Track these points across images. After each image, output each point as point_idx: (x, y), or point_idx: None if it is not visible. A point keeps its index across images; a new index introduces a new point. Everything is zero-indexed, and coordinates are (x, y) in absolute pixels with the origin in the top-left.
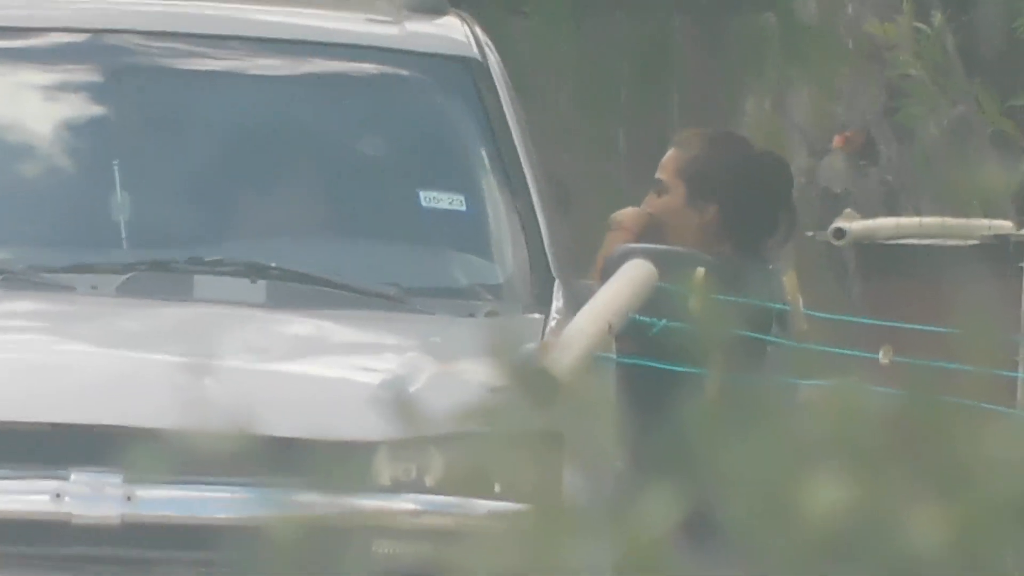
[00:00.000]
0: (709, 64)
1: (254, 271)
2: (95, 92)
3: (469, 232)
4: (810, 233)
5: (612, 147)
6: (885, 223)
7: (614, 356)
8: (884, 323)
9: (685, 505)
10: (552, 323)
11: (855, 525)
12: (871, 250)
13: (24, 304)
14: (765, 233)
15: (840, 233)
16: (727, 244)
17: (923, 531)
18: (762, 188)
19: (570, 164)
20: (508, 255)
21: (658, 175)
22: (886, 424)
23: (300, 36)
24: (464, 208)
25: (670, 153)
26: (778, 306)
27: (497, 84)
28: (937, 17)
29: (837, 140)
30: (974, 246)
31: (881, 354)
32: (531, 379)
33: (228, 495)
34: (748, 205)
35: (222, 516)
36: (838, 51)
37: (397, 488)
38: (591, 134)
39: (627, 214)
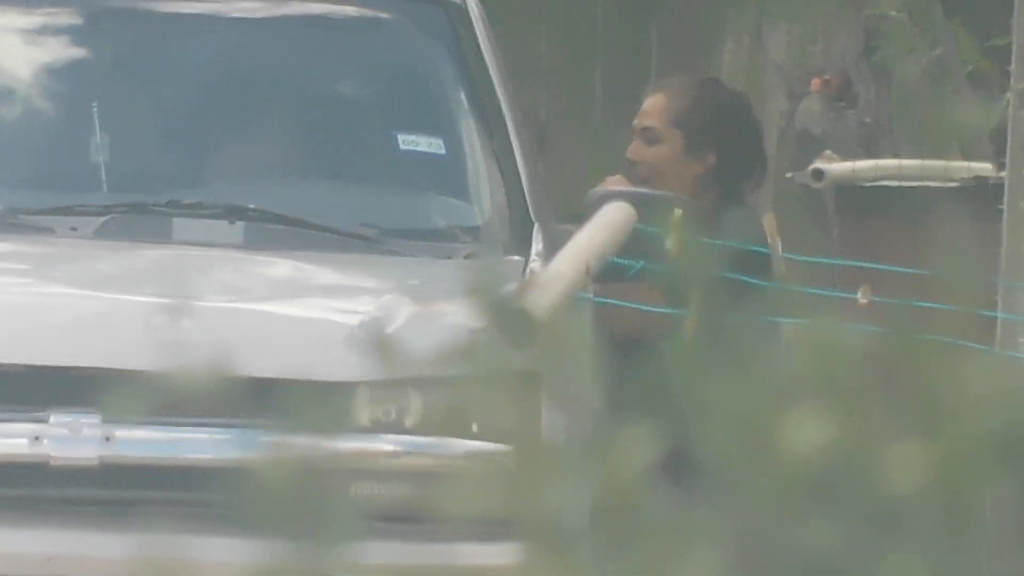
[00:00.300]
0: (688, 3)
1: (233, 213)
2: (74, 35)
3: (447, 174)
4: (789, 175)
5: (590, 86)
6: (864, 165)
7: (591, 297)
8: (862, 264)
9: (663, 443)
10: (531, 265)
11: (834, 463)
12: (850, 192)
13: (3, 246)
14: (747, 177)
15: (819, 175)
16: (715, 191)
17: (902, 469)
18: (753, 133)
19: (548, 103)
20: (487, 197)
21: (647, 123)
22: (865, 362)
23: None
24: (442, 151)
25: (658, 100)
26: (758, 248)
27: (475, 25)
28: None
29: (815, 82)
30: (953, 188)
31: (860, 294)
32: (509, 319)
33: (206, 436)
34: (744, 151)
35: (201, 457)
36: None
37: (376, 429)
38: (569, 73)
39: (615, 183)
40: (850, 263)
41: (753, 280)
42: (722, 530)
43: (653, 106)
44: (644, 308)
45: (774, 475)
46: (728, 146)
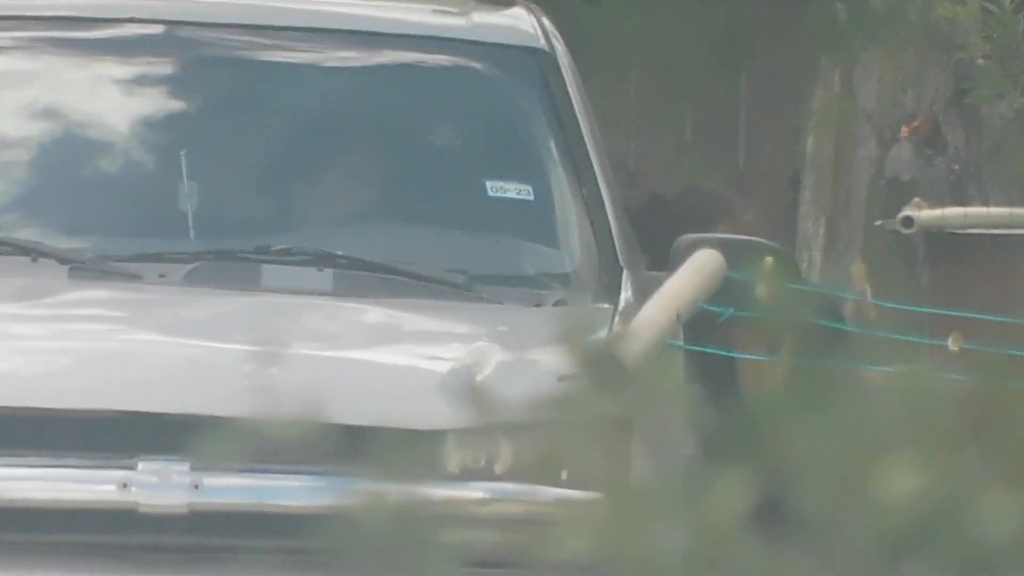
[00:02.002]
0: (779, 51)
1: (321, 260)
2: (164, 83)
3: (536, 221)
4: (879, 222)
5: (679, 134)
6: (953, 212)
7: (683, 344)
8: (952, 313)
9: (755, 491)
10: (620, 312)
11: (927, 512)
12: (939, 239)
13: (92, 293)
14: None
15: (908, 222)
16: None
17: (995, 517)
18: None
19: (638, 151)
20: (576, 244)
21: None
22: (957, 409)
23: (367, 27)
24: (531, 197)
25: None
26: (847, 295)
27: (564, 73)
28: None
29: (905, 129)
30: None
31: (951, 341)
32: (601, 366)
33: (296, 483)
34: None
35: (290, 504)
36: (908, 35)
37: (466, 476)
38: (658, 121)
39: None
40: (941, 311)
41: (846, 327)
42: None
43: None
44: (736, 355)
45: (868, 524)
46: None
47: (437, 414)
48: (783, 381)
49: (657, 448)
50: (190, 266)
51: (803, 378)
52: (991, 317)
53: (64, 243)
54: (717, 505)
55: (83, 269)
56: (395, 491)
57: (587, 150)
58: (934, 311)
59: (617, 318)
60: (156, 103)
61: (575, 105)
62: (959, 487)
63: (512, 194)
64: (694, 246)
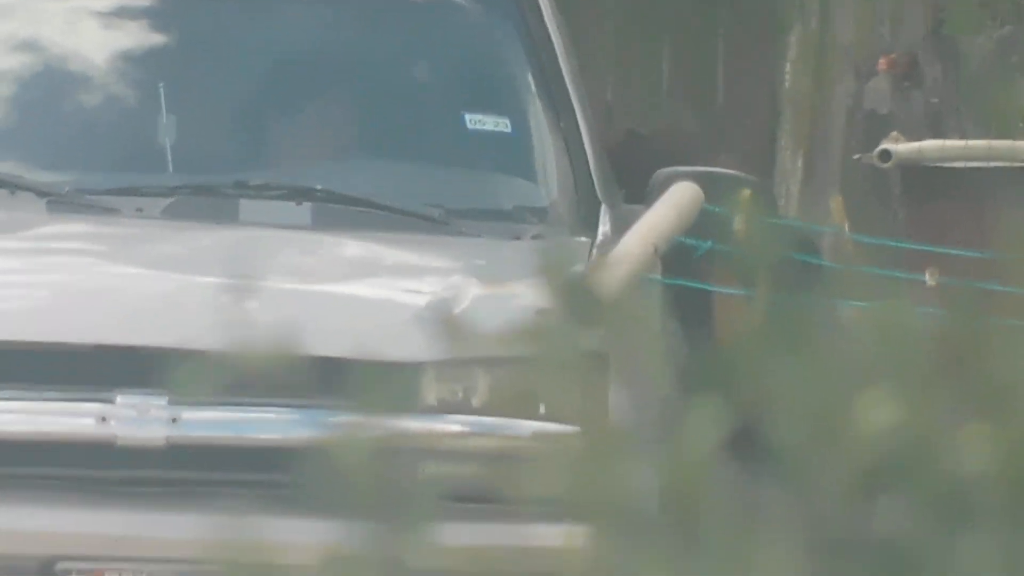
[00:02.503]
0: None
1: (299, 194)
2: (143, 16)
3: (514, 155)
4: (856, 156)
5: (657, 68)
6: (930, 145)
7: (660, 278)
8: (930, 248)
9: (730, 426)
10: (598, 246)
11: (903, 446)
12: (916, 173)
13: (69, 227)
14: None
15: (886, 155)
16: None
17: (970, 452)
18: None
19: (615, 87)
20: (554, 178)
21: None
22: (932, 345)
23: None
24: (509, 131)
25: None
26: (824, 228)
27: (542, 6)
28: None
29: (882, 63)
30: (1020, 168)
31: (927, 276)
32: (577, 300)
33: (273, 416)
34: None
35: (269, 437)
36: None
37: (443, 409)
38: (636, 55)
39: None
40: (918, 247)
41: (822, 262)
42: (790, 514)
43: None
44: (712, 289)
45: (843, 459)
46: None
47: (415, 346)
48: (757, 316)
49: (634, 382)
50: (168, 200)
51: (778, 313)
52: (967, 252)
53: (42, 176)
54: (690, 441)
55: (61, 202)
56: (372, 424)
57: (565, 83)
58: (911, 246)
59: (595, 251)
60: (135, 36)
61: (553, 38)
62: (933, 422)
63: (490, 127)
64: (671, 179)
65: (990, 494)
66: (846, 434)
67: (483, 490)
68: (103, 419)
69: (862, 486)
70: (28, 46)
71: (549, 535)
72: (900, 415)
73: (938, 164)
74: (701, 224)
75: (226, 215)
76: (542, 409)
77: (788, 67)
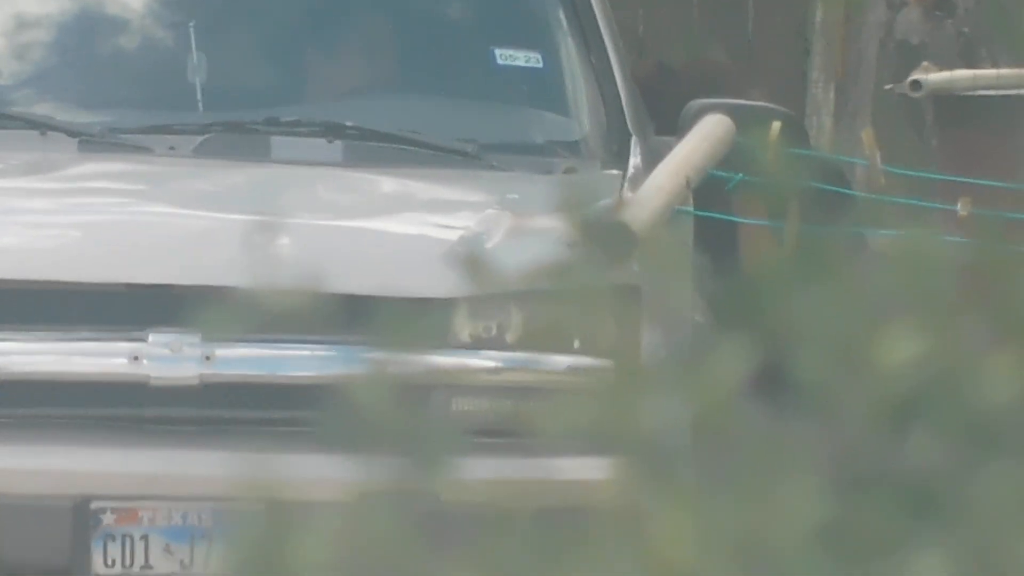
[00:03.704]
0: None
1: (331, 131)
2: None
3: (545, 89)
4: (888, 86)
5: (687, 3)
6: (962, 75)
7: (692, 210)
8: (961, 179)
9: (756, 360)
10: (630, 179)
11: (929, 377)
12: (948, 102)
13: (101, 166)
14: None
15: (917, 85)
16: None
17: (997, 382)
18: None
19: (646, 21)
20: (585, 112)
21: None
22: (959, 275)
23: None
24: (540, 65)
25: None
26: (855, 160)
27: None
28: None
29: None
30: None
31: (959, 205)
32: (608, 233)
33: (308, 353)
34: None
35: (302, 374)
36: None
37: (476, 345)
38: None
39: None
40: (949, 178)
41: (852, 192)
42: (817, 447)
43: None
44: (741, 221)
45: (869, 391)
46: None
47: (447, 282)
48: (784, 247)
49: (666, 316)
50: (200, 138)
51: (805, 244)
52: (999, 184)
53: (73, 116)
54: (717, 374)
55: (92, 142)
56: (404, 360)
57: (595, 17)
58: (942, 177)
59: (626, 184)
60: None
61: None
62: (961, 352)
63: (521, 62)
64: (703, 111)
65: (1018, 424)
66: (872, 366)
67: (516, 425)
68: (136, 358)
69: (889, 418)
70: None
71: (580, 468)
72: (926, 346)
73: (970, 93)
74: (733, 156)
75: (257, 152)
76: (576, 343)
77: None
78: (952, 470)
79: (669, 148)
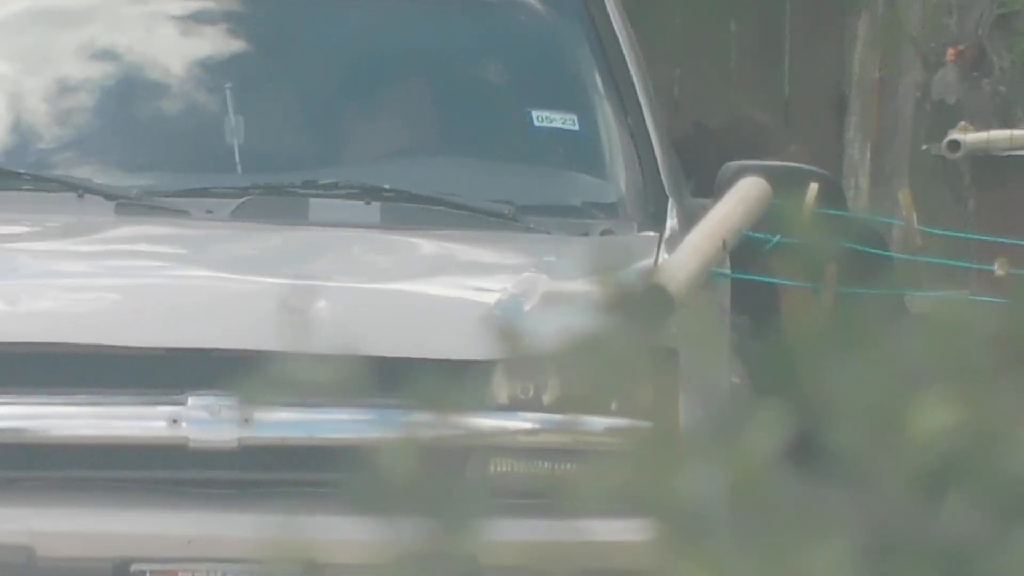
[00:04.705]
0: None
1: (369, 193)
2: (209, 17)
3: (582, 151)
4: (925, 146)
5: (723, 61)
6: (999, 135)
7: (729, 272)
8: (998, 240)
9: (792, 427)
10: (666, 241)
11: (965, 446)
12: (985, 162)
13: (139, 229)
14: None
15: (955, 146)
16: None
17: None
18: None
19: (681, 79)
20: (621, 174)
21: None
22: (995, 340)
23: None
24: (577, 127)
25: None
26: (892, 221)
27: (608, 2)
28: None
29: (950, 53)
30: None
31: (997, 266)
32: (645, 296)
33: (346, 416)
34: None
35: (341, 437)
36: None
37: (513, 406)
38: (702, 48)
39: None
40: (986, 238)
41: (888, 254)
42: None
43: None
44: (779, 282)
45: (905, 458)
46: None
47: (485, 345)
48: (821, 312)
49: (703, 378)
50: (237, 201)
51: (843, 308)
52: None
53: (111, 179)
54: (754, 441)
55: (130, 205)
56: (442, 423)
57: (631, 79)
58: (979, 237)
59: (663, 247)
60: (201, 37)
61: (619, 34)
62: (997, 420)
63: (558, 124)
64: (739, 173)
65: None
66: (908, 433)
67: (553, 486)
68: (175, 421)
69: (924, 486)
70: (94, 50)
71: (616, 530)
72: (962, 414)
73: (1007, 153)
74: (770, 219)
75: (295, 215)
76: (613, 405)
77: (855, 58)
78: (987, 538)
79: (705, 210)
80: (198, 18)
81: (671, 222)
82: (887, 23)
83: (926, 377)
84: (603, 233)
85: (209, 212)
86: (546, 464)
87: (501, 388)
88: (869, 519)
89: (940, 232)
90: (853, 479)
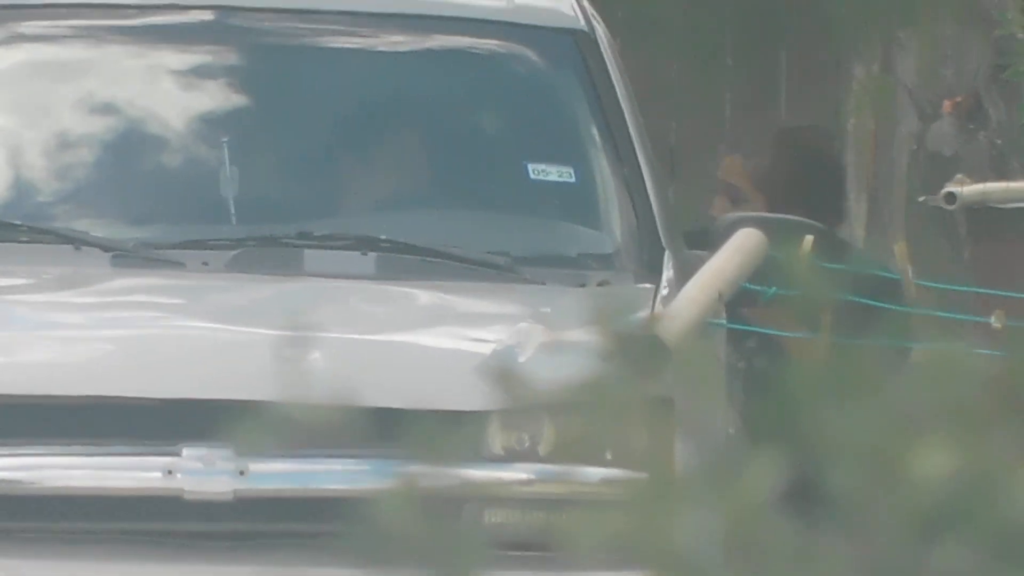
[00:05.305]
0: (816, 28)
1: (364, 244)
2: (204, 69)
3: (578, 203)
4: (921, 198)
5: (719, 111)
6: (995, 187)
7: (724, 323)
8: (995, 292)
9: (788, 473)
10: (663, 292)
11: (963, 491)
12: (981, 213)
13: (135, 281)
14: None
15: (951, 198)
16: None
17: None
18: (835, 177)
19: (677, 129)
20: (617, 225)
21: (731, 180)
22: (994, 387)
23: (407, 9)
24: (573, 179)
25: (738, 160)
26: (888, 274)
27: (604, 54)
28: None
29: (947, 104)
30: None
31: (994, 318)
32: (641, 347)
33: (341, 467)
34: (824, 199)
35: (336, 488)
36: (946, 10)
37: (509, 457)
38: (698, 99)
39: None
40: (983, 291)
41: (884, 304)
42: (850, 560)
43: (734, 165)
44: (775, 332)
45: (903, 505)
46: (810, 199)
47: (480, 396)
48: (818, 361)
49: (699, 428)
50: (233, 252)
51: (840, 358)
52: None
53: (106, 231)
54: (747, 489)
55: (126, 257)
56: (438, 474)
57: (628, 131)
58: (976, 290)
59: (659, 298)
60: (197, 90)
61: (615, 86)
62: (994, 467)
63: (554, 176)
64: (735, 225)
65: None
66: (906, 480)
67: (549, 537)
68: (169, 472)
69: (923, 532)
70: (90, 103)
71: None
72: (959, 460)
73: (1003, 205)
74: (766, 270)
75: (291, 266)
76: (608, 456)
77: (851, 109)
78: None
79: (702, 262)
80: (194, 71)
81: (667, 273)
82: (882, 74)
83: (924, 423)
84: (599, 284)
85: (205, 263)
86: (542, 515)
87: (497, 439)
88: (867, 564)
89: (936, 285)
90: (851, 524)
